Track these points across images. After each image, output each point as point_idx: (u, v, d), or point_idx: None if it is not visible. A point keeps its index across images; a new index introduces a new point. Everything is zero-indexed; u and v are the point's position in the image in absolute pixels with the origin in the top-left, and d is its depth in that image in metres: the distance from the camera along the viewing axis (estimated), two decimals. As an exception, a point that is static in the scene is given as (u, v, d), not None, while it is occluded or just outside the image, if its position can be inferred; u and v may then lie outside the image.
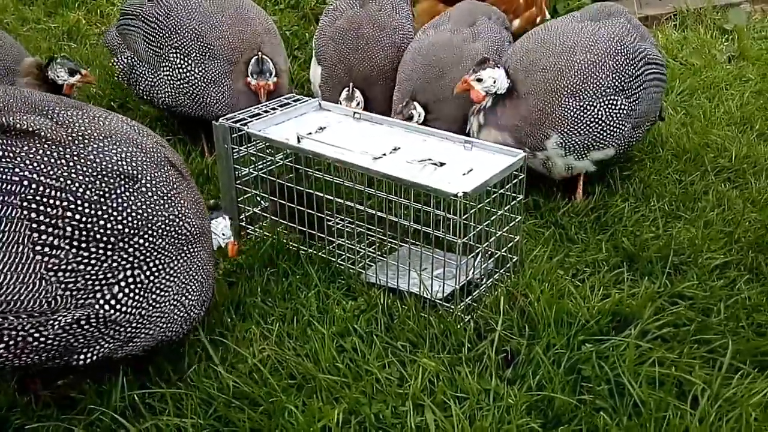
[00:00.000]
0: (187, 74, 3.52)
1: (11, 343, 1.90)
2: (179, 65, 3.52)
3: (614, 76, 3.21)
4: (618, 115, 3.24)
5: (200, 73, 3.51)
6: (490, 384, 2.26)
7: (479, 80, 3.18)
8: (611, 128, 3.24)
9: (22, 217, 1.84)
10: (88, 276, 1.93)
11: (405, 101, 3.45)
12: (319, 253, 2.90)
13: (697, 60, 5.17)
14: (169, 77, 3.56)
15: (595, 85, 3.18)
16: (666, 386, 2.22)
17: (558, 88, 3.17)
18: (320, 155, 2.77)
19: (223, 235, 2.52)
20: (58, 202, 1.88)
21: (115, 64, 3.80)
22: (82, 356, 2.04)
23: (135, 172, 2.02)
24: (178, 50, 3.51)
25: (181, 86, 3.55)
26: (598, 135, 3.23)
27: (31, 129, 1.91)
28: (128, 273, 2.00)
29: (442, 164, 2.66)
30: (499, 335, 2.44)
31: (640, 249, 2.97)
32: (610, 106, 3.21)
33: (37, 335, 1.92)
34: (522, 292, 2.65)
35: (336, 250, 2.90)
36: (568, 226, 3.19)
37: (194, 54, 3.50)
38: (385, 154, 2.73)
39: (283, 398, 2.20)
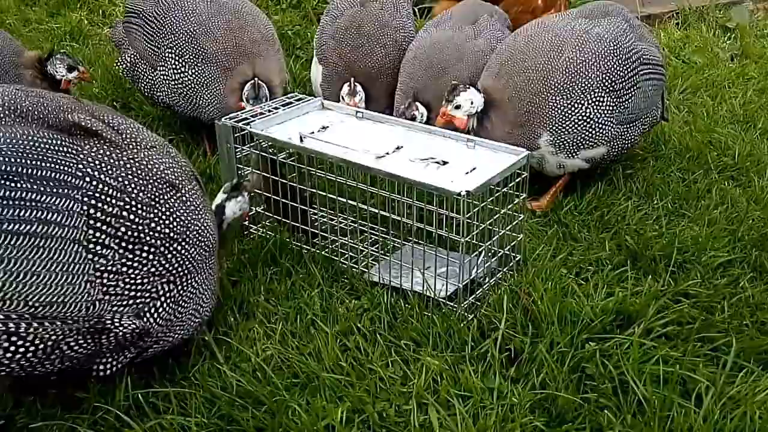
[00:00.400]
0: (181, 75, 3.52)
1: (42, 347, 1.88)
2: (174, 66, 3.52)
3: (604, 76, 3.19)
4: (606, 114, 3.23)
5: (193, 76, 3.51)
6: (493, 382, 2.26)
7: (458, 107, 3.17)
8: (599, 127, 3.23)
9: (82, 212, 1.84)
10: (128, 279, 1.95)
11: (407, 102, 3.45)
12: (323, 252, 2.90)
13: (700, 58, 5.17)
14: (165, 77, 3.56)
15: (582, 85, 3.17)
16: (670, 384, 2.21)
17: (545, 88, 3.17)
18: (323, 154, 2.77)
19: (240, 209, 2.55)
20: (116, 201, 1.90)
21: (119, 60, 3.81)
22: (101, 366, 2.06)
23: (177, 181, 2.08)
24: (173, 51, 3.51)
25: (176, 87, 3.55)
26: (586, 134, 3.23)
27: (94, 129, 1.94)
28: (165, 284, 2.05)
29: (444, 163, 2.66)
30: (503, 334, 2.44)
31: (643, 247, 2.97)
32: (597, 105, 3.20)
33: (72, 344, 1.92)
34: (525, 291, 2.65)
35: (339, 249, 2.90)
36: (571, 225, 3.19)
37: (187, 56, 3.49)
38: (387, 153, 2.73)
39: (286, 397, 2.20)
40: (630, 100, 3.28)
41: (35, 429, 2.13)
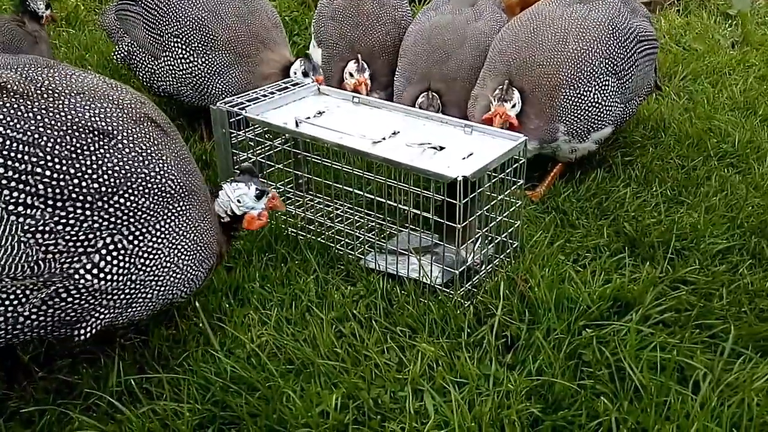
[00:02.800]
0: (189, 64, 3.46)
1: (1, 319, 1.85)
2: (181, 55, 3.46)
3: (606, 60, 3.23)
4: (612, 96, 3.28)
5: (203, 64, 3.46)
6: (489, 369, 2.24)
7: (514, 106, 3.12)
8: (606, 109, 3.28)
9: None
10: (68, 237, 1.85)
11: (424, 94, 3.43)
12: (318, 239, 2.88)
13: (701, 45, 5.14)
14: (170, 66, 3.50)
15: (588, 72, 3.19)
16: (667, 371, 2.20)
17: (556, 82, 3.17)
18: (319, 139, 2.74)
19: (239, 202, 2.36)
20: (26, 158, 1.78)
21: (114, 51, 3.76)
22: (81, 330, 1.99)
23: (110, 128, 1.93)
24: (180, 39, 3.45)
25: (183, 76, 3.50)
26: (596, 118, 3.26)
27: None
28: (110, 237, 1.92)
29: (441, 148, 2.63)
30: (499, 320, 2.42)
31: (641, 234, 2.95)
32: (603, 88, 3.24)
33: (23, 311, 1.86)
34: (522, 278, 2.63)
35: (335, 235, 2.88)
36: (569, 211, 3.17)
37: (196, 44, 3.43)
38: (384, 138, 2.70)
39: (281, 383, 2.18)
40: (631, 79, 3.34)
41: (27, 414, 2.12)
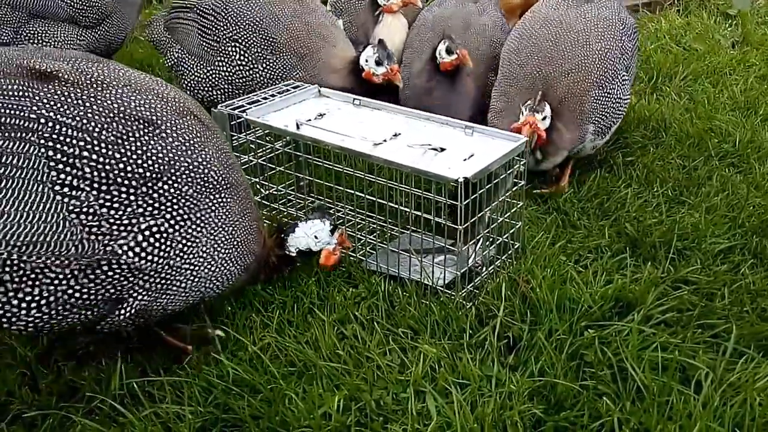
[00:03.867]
0: (249, 69, 3.41)
1: (51, 299, 1.90)
2: (239, 60, 3.41)
3: (621, 56, 3.33)
4: (627, 89, 3.39)
5: (264, 69, 3.41)
6: (492, 370, 2.24)
7: (544, 118, 3.09)
8: (624, 102, 3.38)
9: (40, 155, 1.82)
10: (112, 221, 1.90)
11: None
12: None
13: (701, 45, 5.13)
14: (227, 73, 3.43)
15: (612, 71, 3.28)
16: (669, 371, 2.19)
17: (586, 86, 3.21)
18: (320, 142, 2.74)
19: (316, 238, 2.47)
20: (74, 141, 1.86)
21: (167, 58, 3.67)
22: (122, 309, 2.02)
23: (155, 117, 2.01)
24: (239, 43, 3.39)
25: (241, 82, 3.43)
26: (617, 113, 3.36)
27: (50, 71, 1.90)
28: (153, 221, 1.97)
29: (442, 150, 2.64)
30: (501, 321, 2.42)
31: (643, 234, 2.95)
32: (621, 83, 3.32)
33: (67, 288, 1.90)
34: (524, 278, 2.63)
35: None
36: (570, 212, 3.17)
37: (256, 48, 3.39)
38: (385, 140, 2.71)
39: (283, 385, 2.18)
40: (632, 71, 3.49)
41: (30, 418, 2.12)
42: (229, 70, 3.44)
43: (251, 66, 3.41)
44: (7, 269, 1.83)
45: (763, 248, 2.87)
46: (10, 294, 1.86)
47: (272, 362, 2.28)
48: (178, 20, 3.59)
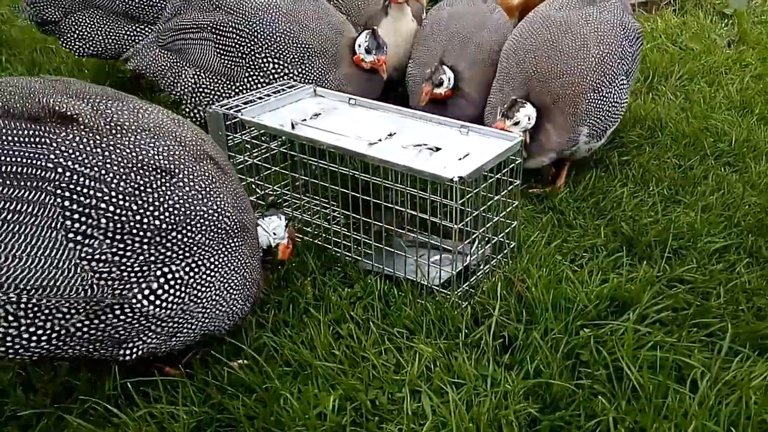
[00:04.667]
0: (283, 78, 3.36)
1: (58, 330, 1.89)
2: (273, 71, 3.36)
3: (620, 60, 3.31)
4: (625, 91, 3.37)
5: (300, 75, 3.37)
6: (487, 370, 2.24)
7: (516, 123, 3.11)
8: (621, 105, 3.36)
9: (55, 204, 1.81)
10: (123, 268, 1.90)
11: (434, 66, 3.43)
12: (315, 241, 2.88)
13: (697, 45, 5.14)
14: (256, 86, 3.35)
15: (609, 74, 3.26)
16: (665, 370, 2.20)
17: (581, 88, 3.20)
18: (315, 141, 2.74)
19: (274, 234, 2.46)
20: (91, 192, 1.85)
21: (172, 87, 3.52)
22: (127, 351, 2.02)
23: (172, 166, 1.98)
24: (271, 55, 3.34)
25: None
26: (614, 115, 3.34)
27: (70, 113, 1.88)
28: (166, 268, 1.97)
29: (437, 149, 2.63)
30: (497, 321, 2.42)
31: (639, 233, 2.95)
32: (619, 87, 3.31)
33: (78, 324, 1.90)
34: (520, 278, 2.63)
35: (332, 237, 2.88)
36: (566, 212, 3.17)
37: (290, 57, 3.34)
38: (380, 140, 2.70)
39: (278, 385, 2.18)
40: (633, 75, 3.47)
41: (24, 418, 2.12)
42: (258, 82, 3.37)
43: (286, 74, 3.36)
44: (22, 306, 1.83)
45: (759, 247, 2.87)
46: (22, 329, 1.85)
47: (268, 362, 2.28)
48: (186, 41, 3.46)
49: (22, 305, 1.83)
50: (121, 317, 1.94)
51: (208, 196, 2.05)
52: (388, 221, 2.76)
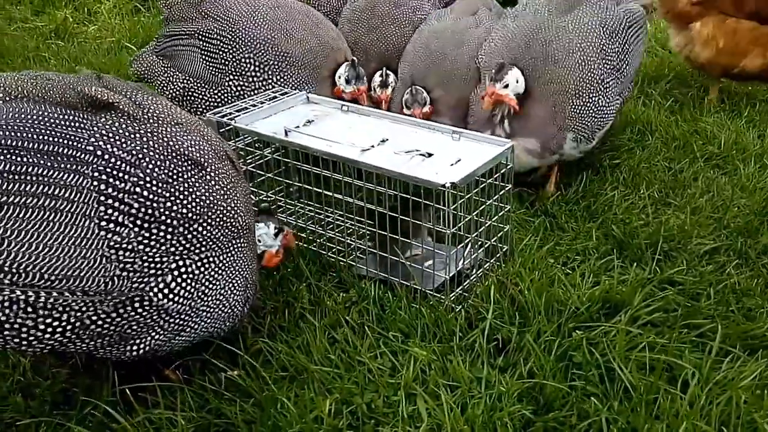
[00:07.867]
0: (264, 85, 3.38)
1: (73, 322, 1.86)
2: (254, 76, 3.37)
3: (605, 62, 3.28)
4: (613, 93, 3.34)
5: (281, 83, 3.37)
6: (481, 372, 2.26)
7: (506, 86, 3.11)
8: (609, 107, 3.34)
9: (92, 188, 1.81)
10: (146, 258, 1.90)
11: (414, 89, 3.45)
12: (310, 247, 2.90)
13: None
14: (239, 92, 3.39)
15: (592, 79, 3.24)
16: (656, 371, 2.22)
17: (567, 92, 3.21)
18: (308, 148, 2.76)
19: (259, 241, 2.48)
20: (128, 177, 1.86)
21: (166, 92, 3.55)
22: (135, 346, 2.02)
23: (202, 159, 2.03)
24: (250, 62, 3.36)
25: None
26: (601, 119, 3.32)
27: (110, 101, 1.91)
28: (181, 261, 1.98)
29: (429, 155, 2.66)
30: (490, 324, 2.45)
31: (629, 236, 2.98)
32: (606, 89, 3.29)
33: (94, 318, 1.88)
34: (513, 281, 2.65)
35: (326, 242, 2.90)
36: (558, 215, 3.20)
37: (271, 65, 3.35)
38: (372, 146, 2.73)
39: (275, 390, 2.20)
40: (627, 68, 3.40)
41: (23, 426, 2.13)
42: (242, 88, 3.39)
43: (266, 79, 3.37)
44: (42, 297, 1.79)
45: (748, 248, 2.91)
46: (39, 320, 1.82)
47: (264, 367, 2.30)
48: (176, 47, 3.51)
49: (42, 296, 1.78)
50: (138, 309, 1.94)
51: (228, 193, 2.09)
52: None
